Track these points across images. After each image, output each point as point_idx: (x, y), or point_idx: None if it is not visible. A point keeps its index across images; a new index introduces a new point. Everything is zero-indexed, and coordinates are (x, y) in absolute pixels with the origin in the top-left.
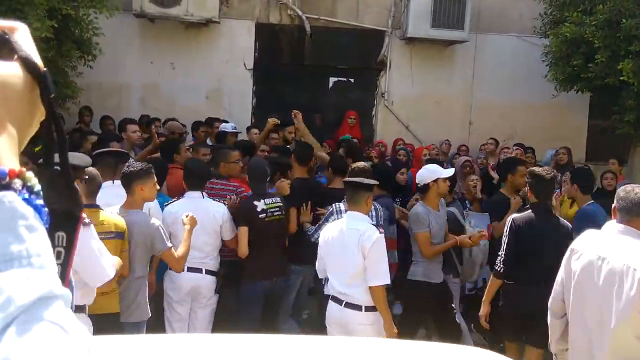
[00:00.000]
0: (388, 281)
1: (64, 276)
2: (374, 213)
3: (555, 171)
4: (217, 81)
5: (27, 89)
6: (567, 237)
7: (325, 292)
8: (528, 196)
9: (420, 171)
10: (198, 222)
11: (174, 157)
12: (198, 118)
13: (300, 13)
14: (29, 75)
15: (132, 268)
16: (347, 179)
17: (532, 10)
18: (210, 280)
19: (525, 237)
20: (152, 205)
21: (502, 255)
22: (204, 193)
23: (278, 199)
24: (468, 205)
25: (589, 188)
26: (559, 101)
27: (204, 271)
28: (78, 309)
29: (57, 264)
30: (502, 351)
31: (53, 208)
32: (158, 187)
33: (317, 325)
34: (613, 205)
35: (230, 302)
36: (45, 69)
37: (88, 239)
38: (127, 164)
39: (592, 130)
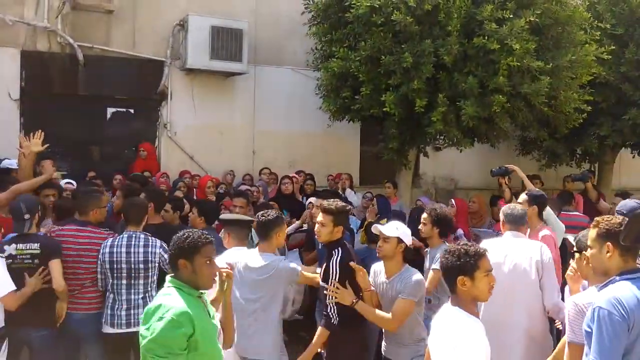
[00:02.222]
0: None
1: None
2: None
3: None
4: None
5: None
6: None
7: None
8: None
9: None
10: None
11: None
12: None
13: (71, 41)
14: None
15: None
16: (226, 216)
17: (305, 45)
18: None
19: None
20: None
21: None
22: None
23: (36, 245)
24: None
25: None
26: (334, 130)
27: None
28: None
29: None
30: None
31: None
32: None
33: None
34: (502, 220)
35: None
36: None
37: None
38: (262, 212)
39: (364, 156)
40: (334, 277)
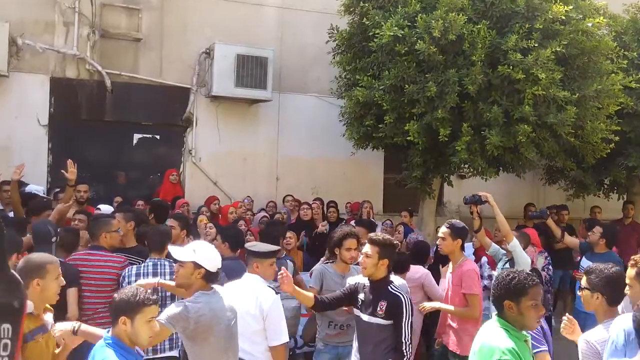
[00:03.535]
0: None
1: None
2: None
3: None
4: (7, 138)
5: None
6: None
7: None
8: None
9: None
10: None
11: None
12: None
13: (99, 68)
14: None
15: None
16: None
17: (329, 73)
18: None
19: None
20: None
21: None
22: None
23: None
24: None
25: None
26: (358, 157)
27: None
28: None
29: (4, 356)
30: None
31: None
32: None
33: None
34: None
35: None
36: None
37: None
38: None
39: (387, 183)
40: (407, 320)
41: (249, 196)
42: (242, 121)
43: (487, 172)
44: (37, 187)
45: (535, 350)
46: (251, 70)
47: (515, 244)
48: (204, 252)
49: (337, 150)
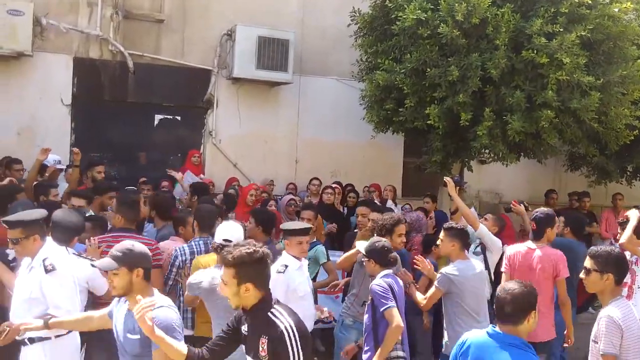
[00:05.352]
0: None
1: None
2: None
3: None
4: (31, 117)
5: None
6: None
7: None
8: None
9: None
10: None
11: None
12: (9, 155)
13: (122, 49)
14: None
15: None
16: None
17: (350, 56)
18: None
19: None
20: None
21: None
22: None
23: None
24: None
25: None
26: (378, 140)
27: None
28: None
29: None
30: None
31: None
32: None
33: None
34: None
35: None
36: None
37: None
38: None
39: (406, 167)
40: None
41: (272, 180)
42: (262, 103)
43: (508, 158)
44: (54, 156)
45: (382, 308)
46: (272, 52)
47: (482, 231)
48: (221, 226)
49: (357, 133)
